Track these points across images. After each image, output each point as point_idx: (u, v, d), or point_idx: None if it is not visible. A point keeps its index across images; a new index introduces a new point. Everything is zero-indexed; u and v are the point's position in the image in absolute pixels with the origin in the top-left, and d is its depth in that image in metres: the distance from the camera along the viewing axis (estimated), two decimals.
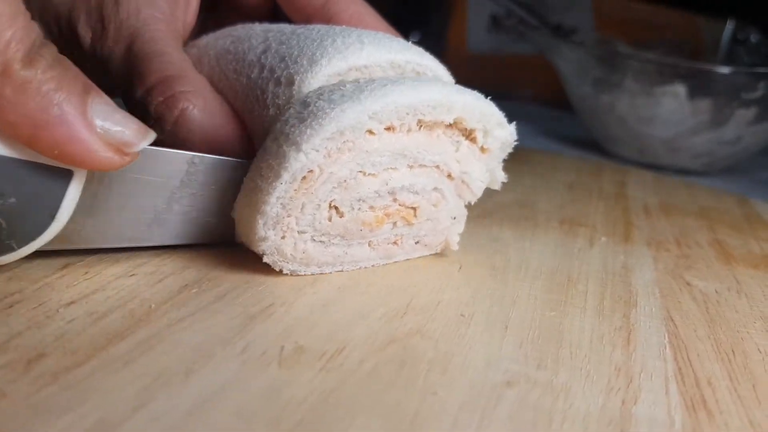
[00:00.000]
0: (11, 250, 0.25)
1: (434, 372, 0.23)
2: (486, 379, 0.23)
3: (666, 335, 0.27)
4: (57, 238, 0.26)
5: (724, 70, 0.61)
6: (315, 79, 0.29)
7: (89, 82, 0.24)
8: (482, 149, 0.31)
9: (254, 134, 0.30)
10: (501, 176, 0.33)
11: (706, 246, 0.39)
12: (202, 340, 0.23)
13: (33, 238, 0.25)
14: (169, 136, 0.29)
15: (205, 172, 0.28)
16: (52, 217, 0.25)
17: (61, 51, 0.32)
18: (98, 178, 0.26)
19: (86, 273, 0.27)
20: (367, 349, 0.24)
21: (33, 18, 0.31)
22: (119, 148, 0.24)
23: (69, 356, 0.21)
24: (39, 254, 0.28)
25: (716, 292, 0.32)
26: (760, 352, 0.27)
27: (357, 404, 0.21)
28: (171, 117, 0.29)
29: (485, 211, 0.40)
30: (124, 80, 0.31)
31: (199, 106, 0.29)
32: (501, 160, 0.32)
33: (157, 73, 0.30)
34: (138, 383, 0.20)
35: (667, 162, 0.65)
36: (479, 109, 0.30)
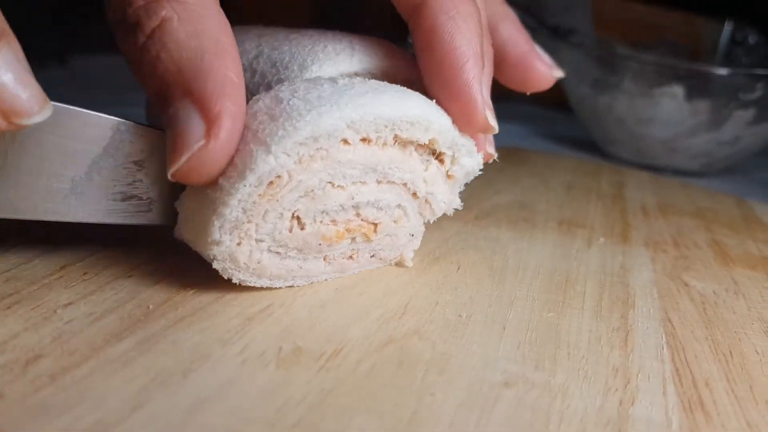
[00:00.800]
0: None
1: (432, 373, 0.23)
2: (483, 380, 0.23)
3: (664, 336, 0.27)
4: None
5: (723, 71, 0.61)
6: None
7: (5, 27, 0.20)
8: (447, 175, 0.30)
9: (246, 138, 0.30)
10: (456, 203, 0.31)
11: (704, 247, 0.39)
12: (201, 340, 0.23)
13: None
14: (137, 55, 0.23)
15: (133, 143, 0.25)
16: None
17: None
18: (10, 135, 0.23)
19: (84, 274, 0.27)
20: (365, 350, 0.24)
21: None
22: (7, 113, 0.20)
23: (67, 357, 0.21)
24: (37, 254, 0.28)
25: (714, 293, 0.32)
26: (758, 354, 0.27)
27: (354, 405, 0.21)
28: (147, 27, 0.23)
29: (483, 212, 0.40)
30: None
31: (185, 19, 0.23)
32: (461, 187, 0.31)
33: None
34: (136, 384, 0.20)
35: (665, 163, 0.65)
36: (452, 136, 0.28)
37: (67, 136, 0.24)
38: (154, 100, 0.24)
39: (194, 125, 0.22)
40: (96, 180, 0.25)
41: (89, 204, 0.26)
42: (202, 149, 0.22)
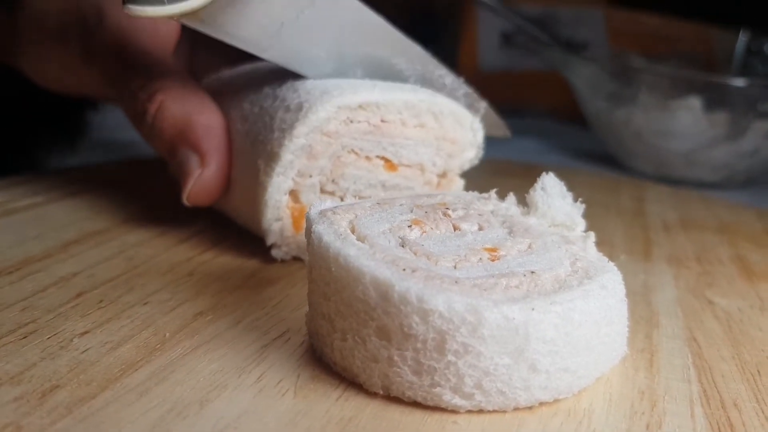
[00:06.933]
0: (160, 3, 0.27)
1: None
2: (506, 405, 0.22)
3: (689, 356, 0.27)
4: (198, 13, 0.27)
5: (740, 82, 0.60)
6: (323, 108, 0.30)
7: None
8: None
9: (259, 155, 0.31)
10: None
11: (727, 262, 0.38)
12: (217, 368, 0.23)
13: None
14: (148, 130, 0.33)
15: (334, 5, 0.30)
16: None
17: (60, 65, 0.37)
18: None
19: (100, 301, 0.27)
20: None
21: (32, 40, 0.37)
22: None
23: (83, 387, 0.21)
24: (53, 282, 0.28)
25: (739, 310, 0.32)
26: None
27: None
28: (151, 110, 0.33)
29: None
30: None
31: (173, 98, 0.33)
32: None
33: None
34: (153, 414, 0.20)
35: (685, 175, 0.64)
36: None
37: None
38: (165, 156, 0.33)
39: (192, 161, 0.32)
40: (301, 24, 0.30)
41: (287, 48, 0.31)
42: (200, 176, 0.32)
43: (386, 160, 0.33)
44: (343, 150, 0.32)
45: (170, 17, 0.27)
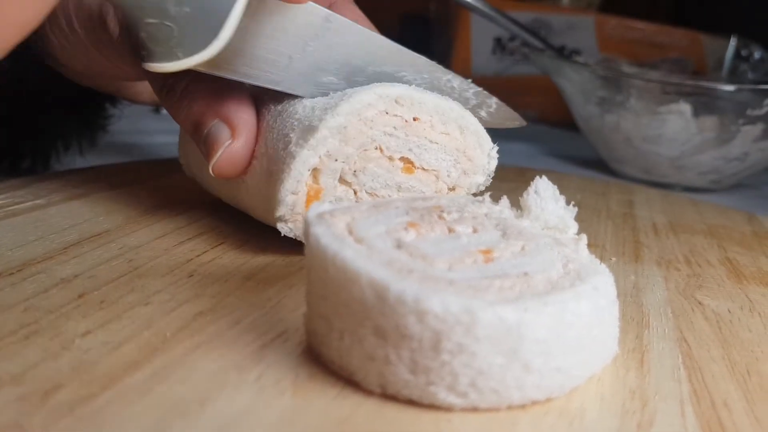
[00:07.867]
0: (176, 58, 0.29)
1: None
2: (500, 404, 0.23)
3: (680, 356, 0.27)
4: (212, 61, 0.29)
5: (729, 87, 0.61)
6: (366, 93, 0.32)
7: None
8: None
9: (293, 128, 0.32)
10: None
11: (716, 264, 0.39)
12: (218, 368, 0.23)
13: (197, 51, 0.28)
14: (176, 104, 0.34)
15: (337, 32, 0.32)
16: (215, 34, 0.28)
17: (94, 44, 0.37)
18: (250, 13, 0.29)
19: (102, 302, 0.27)
20: None
21: (70, 19, 0.37)
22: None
23: (85, 387, 0.22)
24: (55, 283, 0.28)
25: (729, 311, 0.32)
26: None
27: None
28: (180, 85, 0.34)
29: None
30: None
31: (200, 78, 0.33)
32: None
33: None
34: (154, 413, 0.21)
35: (673, 180, 0.65)
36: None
37: (290, 20, 0.31)
38: (191, 130, 0.34)
39: (223, 132, 0.33)
40: (308, 60, 0.33)
41: (295, 81, 0.33)
42: (230, 146, 0.33)
43: (406, 162, 0.34)
44: (372, 144, 0.33)
45: (188, 69, 0.29)
